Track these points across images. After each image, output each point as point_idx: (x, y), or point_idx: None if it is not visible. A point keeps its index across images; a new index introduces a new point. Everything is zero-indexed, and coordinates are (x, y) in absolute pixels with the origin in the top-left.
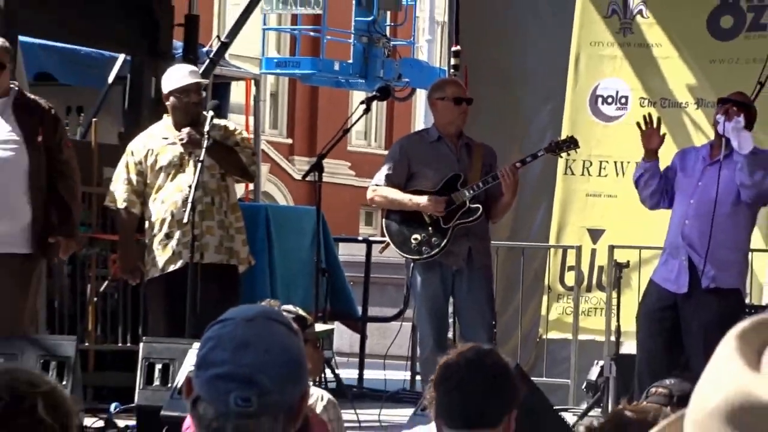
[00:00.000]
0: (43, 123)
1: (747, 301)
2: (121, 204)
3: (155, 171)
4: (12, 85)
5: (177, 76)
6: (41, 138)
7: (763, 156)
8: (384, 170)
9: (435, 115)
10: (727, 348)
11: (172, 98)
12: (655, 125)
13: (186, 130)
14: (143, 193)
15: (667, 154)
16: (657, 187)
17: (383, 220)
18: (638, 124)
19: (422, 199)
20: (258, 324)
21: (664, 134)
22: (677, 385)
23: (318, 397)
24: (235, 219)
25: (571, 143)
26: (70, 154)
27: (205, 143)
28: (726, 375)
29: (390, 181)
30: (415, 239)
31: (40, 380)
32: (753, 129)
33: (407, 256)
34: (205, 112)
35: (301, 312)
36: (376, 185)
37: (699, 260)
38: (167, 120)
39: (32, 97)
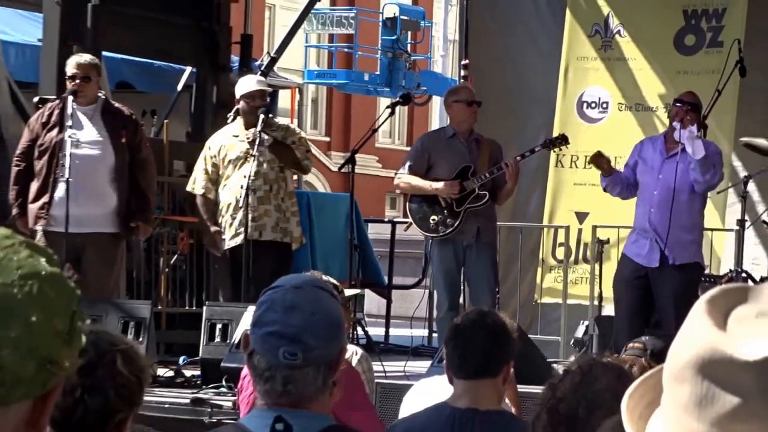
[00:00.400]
0: (126, 126)
1: (707, 272)
2: (199, 190)
3: (225, 163)
4: (99, 94)
5: (246, 84)
6: (124, 139)
7: (711, 156)
8: (408, 162)
9: (450, 116)
10: (699, 311)
11: (242, 102)
12: (604, 162)
13: (252, 129)
14: (217, 181)
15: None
16: (621, 188)
17: (407, 203)
18: (594, 163)
19: (439, 185)
20: (305, 290)
21: (609, 159)
22: (651, 341)
23: (353, 352)
24: (291, 204)
25: (563, 140)
26: (148, 152)
27: (257, 141)
28: (697, 333)
29: (412, 171)
30: (433, 220)
31: (120, 340)
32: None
33: (426, 233)
34: (261, 115)
35: (333, 280)
36: (401, 173)
37: (663, 243)
38: (239, 121)
39: (116, 104)
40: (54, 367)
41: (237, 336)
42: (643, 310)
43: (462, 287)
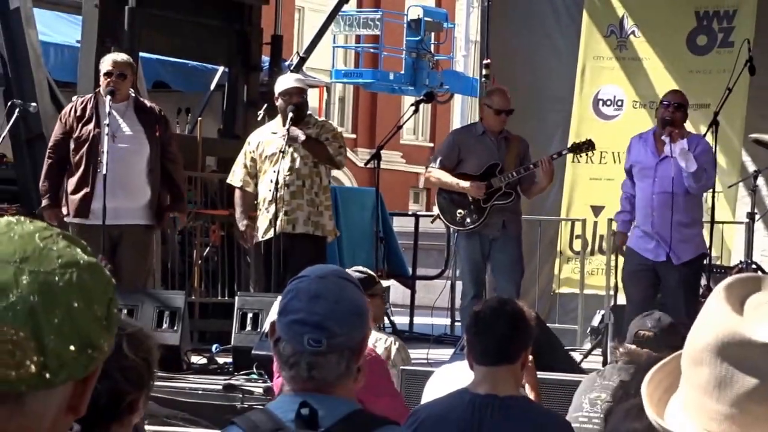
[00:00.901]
0: (159, 122)
1: (717, 263)
2: (238, 183)
3: (263, 158)
4: (131, 92)
5: (284, 82)
6: (158, 133)
7: (702, 160)
8: (439, 156)
9: (481, 115)
10: (717, 297)
11: (279, 100)
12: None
13: (285, 127)
14: (256, 175)
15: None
16: (631, 215)
17: (436, 196)
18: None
19: (467, 184)
20: (329, 280)
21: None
22: (657, 324)
23: (392, 342)
24: (325, 198)
25: (589, 146)
26: (177, 146)
27: (287, 137)
28: (716, 318)
29: (442, 165)
30: (460, 213)
31: (126, 323)
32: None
33: (453, 226)
34: (290, 113)
35: (370, 272)
36: (432, 167)
37: (667, 243)
38: (279, 118)
39: (145, 101)
40: (95, 352)
41: (267, 325)
42: (653, 299)
43: (486, 278)
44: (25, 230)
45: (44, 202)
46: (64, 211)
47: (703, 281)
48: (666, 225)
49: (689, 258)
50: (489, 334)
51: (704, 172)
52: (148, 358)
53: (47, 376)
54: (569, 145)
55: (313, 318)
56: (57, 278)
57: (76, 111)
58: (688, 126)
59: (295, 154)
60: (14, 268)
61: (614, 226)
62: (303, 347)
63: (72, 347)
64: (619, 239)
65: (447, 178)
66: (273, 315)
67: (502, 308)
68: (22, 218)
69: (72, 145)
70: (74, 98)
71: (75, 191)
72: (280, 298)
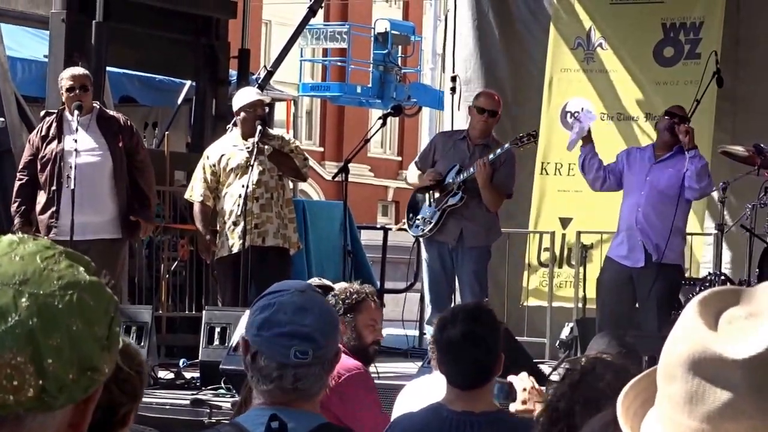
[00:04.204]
0: (122, 131)
1: (687, 275)
2: (198, 198)
3: (227, 171)
4: (94, 104)
5: (245, 95)
6: (121, 144)
7: (704, 162)
8: (417, 158)
9: (470, 117)
10: (691, 311)
11: (242, 113)
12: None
13: (252, 139)
14: (216, 189)
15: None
16: (599, 166)
17: (410, 197)
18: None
19: (425, 177)
20: (309, 294)
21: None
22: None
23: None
24: (289, 211)
25: (530, 137)
26: (145, 154)
27: (256, 150)
28: (689, 333)
29: (418, 167)
30: (419, 219)
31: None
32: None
33: (412, 232)
34: (258, 126)
35: (327, 282)
36: (409, 169)
37: (650, 240)
38: (237, 131)
39: (111, 112)
40: (95, 374)
41: (235, 339)
42: (627, 313)
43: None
44: (27, 251)
45: (17, 221)
46: (34, 232)
47: None
48: (651, 221)
49: (670, 261)
50: (461, 363)
51: (707, 176)
52: (141, 370)
53: (46, 399)
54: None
55: (303, 330)
56: (57, 301)
57: (41, 131)
58: (653, 135)
59: (261, 167)
60: (13, 290)
61: (583, 238)
62: (288, 360)
63: (72, 370)
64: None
65: (414, 178)
66: (241, 329)
67: (472, 332)
68: (25, 236)
69: (39, 165)
70: (45, 117)
71: (43, 210)
72: (248, 313)
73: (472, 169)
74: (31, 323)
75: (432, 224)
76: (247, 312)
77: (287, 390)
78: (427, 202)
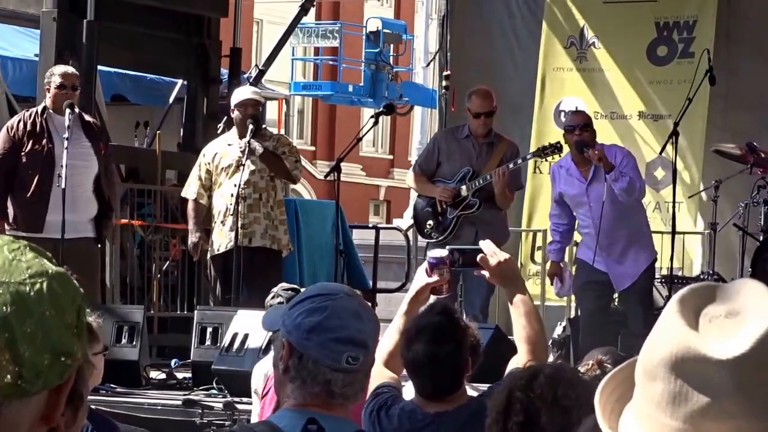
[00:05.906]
0: (101, 138)
1: (679, 273)
2: (191, 195)
3: (219, 170)
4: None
5: (240, 93)
6: (103, 150)
7: (628, 174)
8: (419, 160)
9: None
10: (671, 310)
11: (236, 111)
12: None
13: (244, 139)
14: (210, 187)
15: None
16: (565, 232)
17: (415, 199)
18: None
19: (436, 191)
20: (357, 298)
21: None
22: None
23: None
24: (280, 213)
25: (555, 149)
26: (110, 160)
27: (247, 150)
28: (670, 332)
29: (420, 169)
30: (429, 225)
31: None
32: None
33: (423, 237)
34: (249, 125)
35: (295, 286)
36: (410, 173)
37: (619, 264)
38: (234, 130)
39: (85, 115)
40: (68, 359)
41: (227, 339)
42: (604, 309)
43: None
44: None
45: None
46: (8, 225)
47: (665, 292)
48: (613, 248)
49: (641, 270)
50: (425, 380)
51: (635, 182)
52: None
53: (23, 385)
54: (533, 150)
55: (359, 336)
56: (28, 288)
57: (25, 125)
58: (653, 137)
59: (252, 167)
60: None
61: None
62: (340, 365)
63: (46, 356)
64: (552, 269)
65: (420, 185)
66: (233, 329)
67: (435, 354)
68: None
69: (24, 160)
70: (26, 113)
71: (27, 205)
72: (242, 312)
73: (488, 177)
74: (4, 310)
75: (445, 233)
76: (245, 312)
77: (335, 394)
78: (438, 209)
